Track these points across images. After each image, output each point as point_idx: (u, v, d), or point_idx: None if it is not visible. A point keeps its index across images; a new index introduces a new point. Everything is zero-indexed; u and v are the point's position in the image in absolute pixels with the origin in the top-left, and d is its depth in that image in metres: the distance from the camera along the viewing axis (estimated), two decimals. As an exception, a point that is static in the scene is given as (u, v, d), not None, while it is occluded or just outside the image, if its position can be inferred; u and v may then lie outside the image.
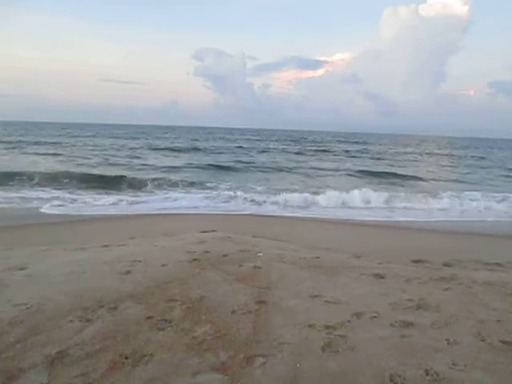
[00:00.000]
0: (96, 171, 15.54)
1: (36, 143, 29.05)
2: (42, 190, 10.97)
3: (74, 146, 28.47)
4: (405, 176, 18.52)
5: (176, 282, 3.19)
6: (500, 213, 10.13)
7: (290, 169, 19.90)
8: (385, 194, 11.06)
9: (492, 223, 8.93)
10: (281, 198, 10.46)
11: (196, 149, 29.65)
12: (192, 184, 13.42)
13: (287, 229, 7.30)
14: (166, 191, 12.05)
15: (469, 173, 21.69)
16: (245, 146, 35.81)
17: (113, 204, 9.64)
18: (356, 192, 10.88)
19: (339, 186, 13.10)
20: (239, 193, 11.10)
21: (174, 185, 13.14)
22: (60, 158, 20.25)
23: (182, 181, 13.75)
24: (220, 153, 27.70)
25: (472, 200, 11.49)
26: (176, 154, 25.96)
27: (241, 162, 21.73)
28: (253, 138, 55.60)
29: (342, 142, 53.73)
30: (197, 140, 37.17)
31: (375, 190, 11.45)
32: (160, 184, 13.05)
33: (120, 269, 3.48)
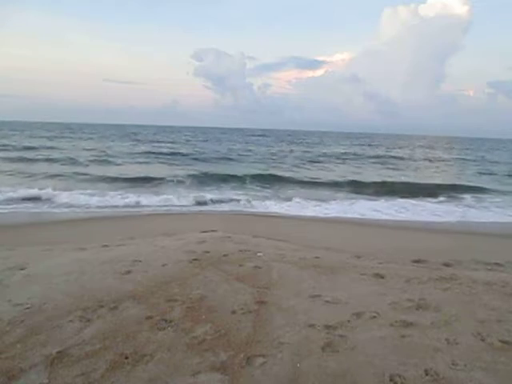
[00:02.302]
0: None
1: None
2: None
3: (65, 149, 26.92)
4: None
5: (176, 282, 3.19)
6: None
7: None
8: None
9: (492, 223, 8.93)
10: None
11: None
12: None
13: (287, 229, 7.31)
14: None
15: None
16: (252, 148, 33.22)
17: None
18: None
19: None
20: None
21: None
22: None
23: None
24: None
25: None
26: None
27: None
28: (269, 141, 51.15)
29: (357, 145, 48.00)
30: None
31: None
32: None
33: (120, 269, 3.48)
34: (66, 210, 8.88)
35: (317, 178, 17.18)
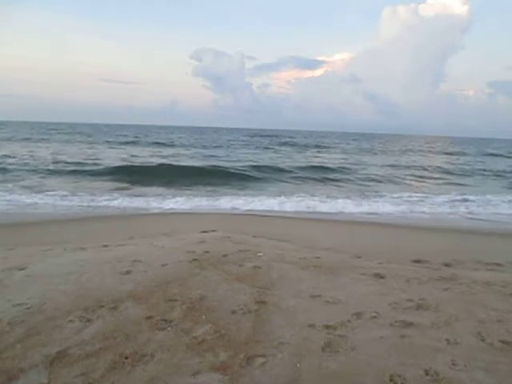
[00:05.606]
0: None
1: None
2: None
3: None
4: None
5: (176, 282, 3.19)
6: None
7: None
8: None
9: (492, 223, 8.92)
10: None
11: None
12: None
13: (287, 229, 7.30)
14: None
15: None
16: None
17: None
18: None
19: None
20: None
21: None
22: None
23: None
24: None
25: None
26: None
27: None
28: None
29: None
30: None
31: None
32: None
33: (120, 269, 3.48)
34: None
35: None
